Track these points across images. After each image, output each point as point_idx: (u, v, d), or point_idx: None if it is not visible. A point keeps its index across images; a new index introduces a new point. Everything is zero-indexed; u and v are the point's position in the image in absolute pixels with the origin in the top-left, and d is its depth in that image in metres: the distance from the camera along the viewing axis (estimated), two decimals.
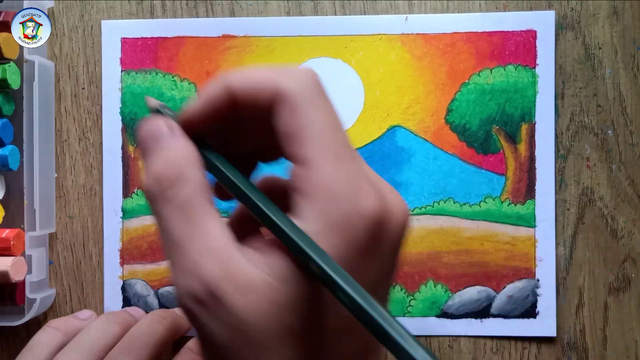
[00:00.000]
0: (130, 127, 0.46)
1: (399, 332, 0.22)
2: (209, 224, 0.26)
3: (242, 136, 0.30)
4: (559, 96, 0.45)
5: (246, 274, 0.25)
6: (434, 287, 0.45)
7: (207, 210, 0.27)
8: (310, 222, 0.25)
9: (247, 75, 0.27)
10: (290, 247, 0.25)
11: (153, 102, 0.30)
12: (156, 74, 0.46)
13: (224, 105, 0.27)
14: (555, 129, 0.45)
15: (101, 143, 0.46)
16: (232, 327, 0.25)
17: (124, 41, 0.46)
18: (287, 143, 0.27)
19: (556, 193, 0.45)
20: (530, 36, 0.44)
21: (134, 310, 0.45)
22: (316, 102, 0.27)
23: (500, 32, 0.44)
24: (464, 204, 0.45)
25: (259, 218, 0.26)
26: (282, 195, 0.28)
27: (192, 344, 0.44)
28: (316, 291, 0.26)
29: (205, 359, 0.28)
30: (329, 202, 0.25)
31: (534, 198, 0.45)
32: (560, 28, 0.45)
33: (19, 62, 0.43)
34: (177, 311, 0.44)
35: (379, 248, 0.26)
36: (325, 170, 0.26)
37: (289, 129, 0.26)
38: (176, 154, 0.27)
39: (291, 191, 0.26)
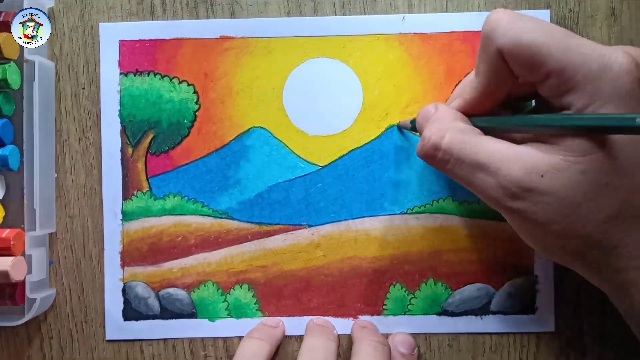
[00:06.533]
0: (129, 129, 0.46)
1: None
2: (489, 144, 0.34)
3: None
4: None
5: (544, 162, 0.33)
6: (434, 285, 0.45)
7: (480, 138, 0.35)
8: (591, 107, 0.32)
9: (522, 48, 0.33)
10: (576, 128, 0.32)
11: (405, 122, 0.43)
12: (154, 76, 0.46)
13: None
14: None
15: (101, 143, 0.46)
16: (550, 204, 0.33)
17: (122, 43, 0.46)
18: (530, 73, 0.33)
19: None
20: None
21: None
22: (523, 30, 0.33)
23: None
24: (463, 202, 0.45)
25: (534, 128, 0.34)
26: None
27: None
28: (611, 154, 0.32)
29: (532, 241, 0.37)
30: (594, 83, 0.31)
31: None
32: None
33: (19, 62, 0.43)
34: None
35: None
36: (576, 66, 0.32)
37: (524, 66, 0.33)
38: (439, 118, 0.37)
39: (556, 98, 0.33)
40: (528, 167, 0.33)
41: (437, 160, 0.36)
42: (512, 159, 0.33)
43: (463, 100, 0.37)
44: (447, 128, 0.36)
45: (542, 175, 0.32)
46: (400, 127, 0.45)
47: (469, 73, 0.45)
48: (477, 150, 0.34)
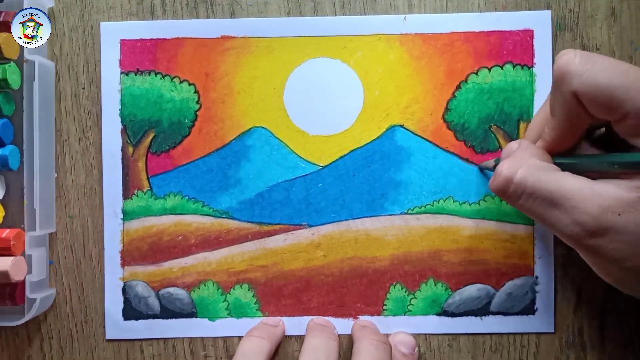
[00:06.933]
0: (129, 129, 0.46)
1: None
2: (565, 180, 0.34)
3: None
4: None
5: (620, 201, 0.33)
6: (435, 285, 0.45)
7: (555, 174, 0.35)
8: None
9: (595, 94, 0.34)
10: None
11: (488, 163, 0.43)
12: (155, 75, 0.46)
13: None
14: None
15: (101, 143, 0.46)
16: (627, 242, 0.33)
17: (123, 43, 0.46)
18: (608, 115, 0.33)
19: None
20: (527, 36, 0.45)
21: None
22: (597, 73, 0.33)
23: (498, 31, 0.45)
24: (464, 203, 0.45)
25: (618, 167, 0.34)
26: None
27: None
28: None
29: (606, 274, 0.36)
30: None
31: None
32: (559, 29, 0.45)
33: (19, 62, 0.43)
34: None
35: None
36: None
37: (601, 108, 0.33)
38: (516, 154, 0.37)
39: (634, 138, 0.33)
40: (604, 206, 0.33)
41: (508, 194, 0.36)
42: (588, 196, 0.33)
43: (544, 141, 0.38)
44: (522, 164, 0.36)
45: (619, 214, 0.32)
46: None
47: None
48: (552, 186, 0.34)
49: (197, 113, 0.46)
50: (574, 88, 0.33)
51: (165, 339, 0.46)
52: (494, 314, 0.45)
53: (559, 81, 0.34)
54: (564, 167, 0.36)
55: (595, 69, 0.33)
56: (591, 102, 0.33)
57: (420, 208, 0.45)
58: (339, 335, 0.45)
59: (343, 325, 0.45)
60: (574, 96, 0.34)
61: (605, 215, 0.33)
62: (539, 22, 0.45)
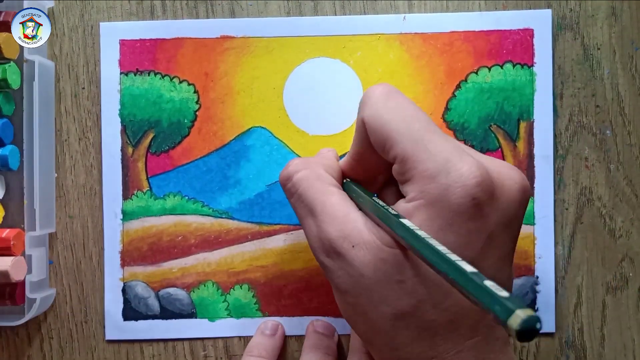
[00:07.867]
0: (129, 129, 0.46)
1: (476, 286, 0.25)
2: (330, 197, 0.35)
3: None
4: (557, 96, 0.45)
5: (359, 236, 0.32)
6: None
7: (327, 188, 0.35)
8: (413, 202, 0.31)
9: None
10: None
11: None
12: (155, 76, 0.46)
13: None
14: (554, 129, 0.45)
15: (101, 143, 0.46)
16: (351, 276, 0.33)
17: (123, 43, 0.46)
18: (383, 153, 0.34)
19: (555, 193, 0.45)
20: (527, 35, 0.45)
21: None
22: (386, 110, 0.33)
23: (498, 30, 0.45)
24: None
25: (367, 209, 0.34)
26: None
27: None
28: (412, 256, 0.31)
29: (337, 302, 0.35)
30: (426, 183, 0.31)
31: (533, 195, 0.45)
32: (559, 28, 0.45)
33: (19, 62, 0.43)
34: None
35: (486, 213, 0.31)
36: (417, 160, 0.31)
37: (378, 143, 0.34)
38: (309, 161, 0.38)
39: (400, 184, 0.33)
40: (345, 232, 0.33)
41: (286, 189, 0.37)
42: (338, 218, 0.34)
43: (344, 161, 0.39)
44: (307, 167, 0.37)
45: (353, 246, 0.33)
46: None
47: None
48: (317, 197, 0.35)
49: (197, 113, 0.46)
50: (363, 116, 0.34)
51: (165, 340, 0.46)
52: None
53: (359, 105, 0.35)
54: (350, 192, 0.37)
55: (388, 105, 0.33)
56: (371, 134, 0.34)
57: None
58: (339, 335, 0.45)
59: (343, 325, 0.45)
60: (363, 124, 0.35)
61: (341, 241, 0.33)
62: (539, 22, 0.45)
